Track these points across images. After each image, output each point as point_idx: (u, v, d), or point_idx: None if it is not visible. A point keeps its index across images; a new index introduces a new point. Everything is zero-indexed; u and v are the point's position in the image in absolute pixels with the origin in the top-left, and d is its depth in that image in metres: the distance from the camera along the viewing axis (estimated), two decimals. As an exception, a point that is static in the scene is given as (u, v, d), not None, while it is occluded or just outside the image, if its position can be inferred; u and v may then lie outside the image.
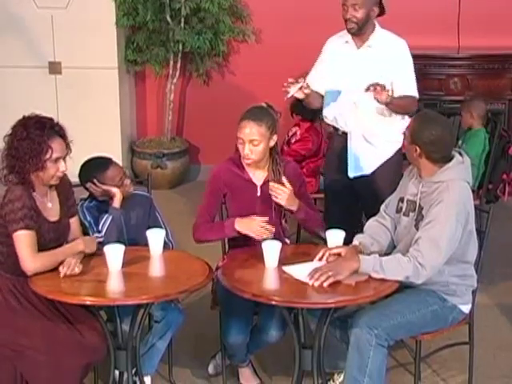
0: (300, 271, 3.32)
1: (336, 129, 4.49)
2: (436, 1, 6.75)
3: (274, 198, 3.62)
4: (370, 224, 3.67)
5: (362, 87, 4.15)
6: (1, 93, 6.91)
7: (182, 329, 3.86)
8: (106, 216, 3.72)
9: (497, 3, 6.70)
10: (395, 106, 4.22)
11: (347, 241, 3.56)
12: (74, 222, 3.57)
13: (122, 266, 3.34)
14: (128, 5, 6.66)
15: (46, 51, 6.78)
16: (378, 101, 4.14)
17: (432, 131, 3.39)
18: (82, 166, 3.82)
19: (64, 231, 3.50)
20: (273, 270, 3.39)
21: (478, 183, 5.34)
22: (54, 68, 6.85)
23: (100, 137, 6.66)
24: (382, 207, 3.69)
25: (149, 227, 3.68)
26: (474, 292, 3.62)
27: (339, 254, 3.42)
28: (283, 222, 3.81)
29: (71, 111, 6.82)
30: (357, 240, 3.56)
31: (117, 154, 6.40)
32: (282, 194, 3.59)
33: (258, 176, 3.75)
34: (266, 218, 3.59)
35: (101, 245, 3.48)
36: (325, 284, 3.20)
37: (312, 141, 5.38)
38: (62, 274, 3.28)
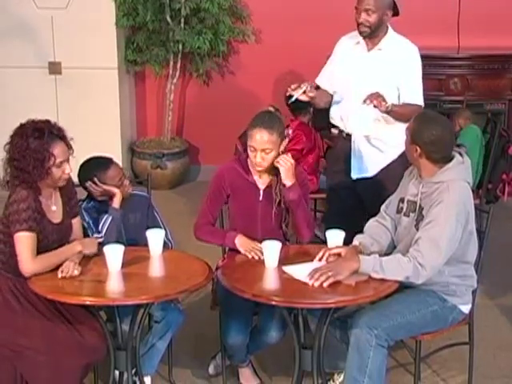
0: (300, 271, 3.32)
1: (340, 130, 4.48)
2: (436, 1, 6.76)
3: (275, 164, 3.60)
4: (370, 224, 3.67)
5: (369, 89, 4.13)
6: (1, 93, 6.91)
7: (182, 329, 3.86)
8: (106, 216, 3.72)
9: (497, 3, 6.71)
10: (396, 113, 4.20)
11: (348, 241, 3.56)
12: (75, 222, 3.57)
13: (122, 266, 3.34)
14: (128, 5, 6.67)
15: (46, 51, 6.78)
16: (379, 110, 4.12)
17: (432, 131, 3.39)
18: (82, 165, 3.82)
19: (67, 232, 3.50)
20: (273, 269, 3.39)
21: (477, 181, 5.35)
22: (54, 68, 6.85)
23: (100, 137, 6.66)
24: (383, 207, 3.69)
25: (148, 227, 3.68)
26: (474, 292, 3.61)
27: (339, 254, 3.42)
28: (283, 226, 3.80)
29: (71, 111, 6.82)
30: (357, 240, 3.56)
31: (117, 154, 6.40)
32: (287, 162, 3.59)
33: (262, 180, 3.75)
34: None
35: (100, 245, 3.48)
36: (325, 284, 3.19)
37: (305, 135, 5.43)
38: (59, 277, 3.28)
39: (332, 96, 4.43)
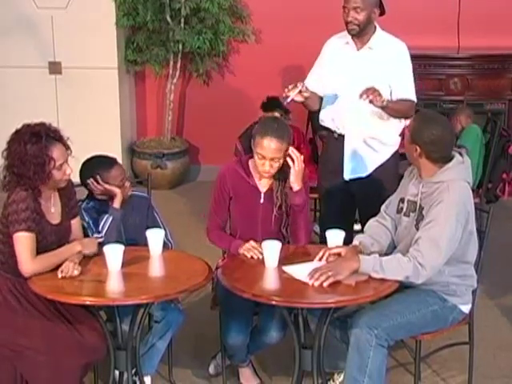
0: (300, 271, 3.32)
1: (332, 131, 4.47)
2: (436, 1, 6.76)
3: (288, 159, 3.60)
4: (371, 224, 3.67)
5: (361, 89, 4.13)
6: (1, 93, 6.91)
7: (182, 329, 3.86)
8: (107, 216, 3.72)
9: (497, 3, 6.71)
10: (392, 109, 4.21)
11: (344, 242, 3.55)
12: (75, 222, 3.57)
13: (122, 266, 3.34)
14: (128, 5, 6.67)
15: (46, 51, 6.79)
16: (374, 105, 4.13)
17: (432, 131, 3.39)
18: (85, 162, 3.82)
19: (65, 233, 3.50)
20: (273, 269, 3.39)
21: (477, 181, 5.35)
22: (54, 68, 6.85)
23: (100, 137, 6.66)
24: (383, 207, 3.69)
25: (147, 228, 3.68)
26: (474, 292, 3.61)
27: (339, 254, 3.42)
28: (283, 230, 3.79)
29: (71, 111, 6.83)
30: (357, 240, 3.56)
31: (117, 154, 6.32)
32: (300, 164, 3.60)
33: (263, 183, 3.75)
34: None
35: (100, 245, 3.48)
36: (325, 284, 3.19)
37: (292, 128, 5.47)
38: (59, 277, 3.28)
39: (321, 98, 4.42)
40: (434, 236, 3.31)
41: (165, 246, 3.65)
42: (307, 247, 3.73)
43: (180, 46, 6.76)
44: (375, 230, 3.62)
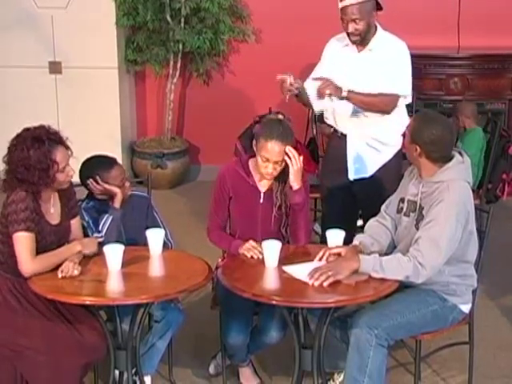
0: (300, 271, 3.32)
1: (335, 130, 4.48)
2: (436, 1, 6.76)
3: (286, 158, 3.60)
4: (371, 224, 3.67)
5: (363, 90, 4.12)
6: (1, 93, 6.92)
7: (182, 329, 3.86)
8: (107, 216, 3.72)
9: (497, 3, 6.71)
10: (359, 101, 4.17)
11: (345, 242, 3.56)
12: (75, 222, 3.57)
13: (122, 266, 3.34)
14: (128, 5, 6.67)
15: (46, 51, 6.79)
16: (335, 96, 4.10)
17: (432, 131, 3.39)
18: (85, 162, 3.82)
19: (65, 233, 3.50)
20: (273, 269, 3.39)
21: (477, 182, 5.35)
22: (54, 68, 6.85)
23: (100, 136, 6.66)
24: (383, 207, 3.69)
25: (147, 227, 3.68)
26: (474, 292, 3.61)
27: (339, 254, 3.42)
28: (283, 230, 3.79)
29: (71, 111, 6.83)
30: (357, 240, 3.56)
31: (117, 154, 6.36)
32: (298, 164, 3.60)
33: (263, 183, 3.75)
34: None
35: (100, 245, 3.48)
36: (325, 284, 3.19)
37: None
38: (59, 277, 3.28)
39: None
40: (434, 236, 3.31)
41: (165, 246, 3.65)
42: (307, 247, 3.73)
43: (180, 46, 6.76)
44: (375, 230, 3.62)
